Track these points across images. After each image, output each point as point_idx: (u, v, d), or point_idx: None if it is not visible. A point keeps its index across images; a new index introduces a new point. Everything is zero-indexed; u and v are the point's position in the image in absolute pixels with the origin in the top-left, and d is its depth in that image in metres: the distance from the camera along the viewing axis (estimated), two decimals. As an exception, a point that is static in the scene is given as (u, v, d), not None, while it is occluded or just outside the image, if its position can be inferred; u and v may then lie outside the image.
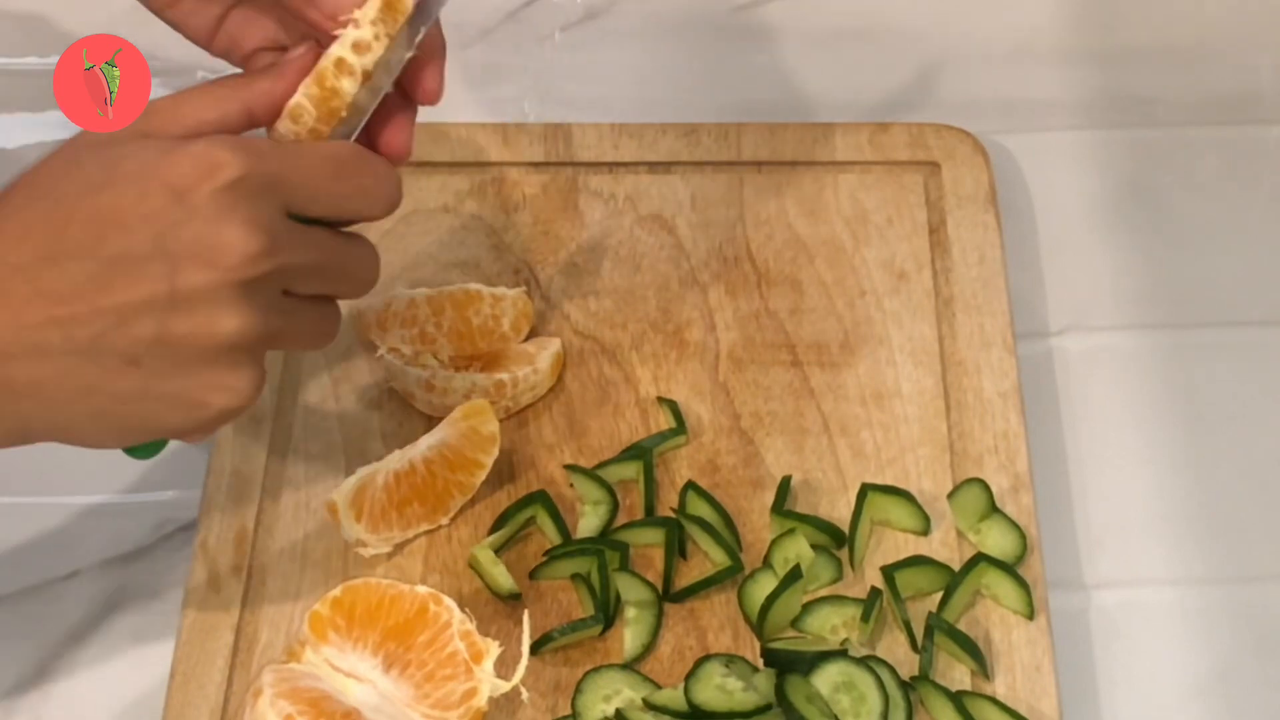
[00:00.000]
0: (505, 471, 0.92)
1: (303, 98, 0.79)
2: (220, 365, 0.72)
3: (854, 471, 0.92)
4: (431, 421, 0.92)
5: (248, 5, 0.82)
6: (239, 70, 0.83)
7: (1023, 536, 0.88)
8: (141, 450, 0.79)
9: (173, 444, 0.93)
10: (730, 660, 0.83)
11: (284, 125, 0.79)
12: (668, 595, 0.88)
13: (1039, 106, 1.11)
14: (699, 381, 0.95)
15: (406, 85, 0.81)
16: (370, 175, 0.77)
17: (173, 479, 0.94)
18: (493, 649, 0.80)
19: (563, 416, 0.94)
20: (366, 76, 0.79)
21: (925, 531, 0.89)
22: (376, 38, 0.79)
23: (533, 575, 0.88)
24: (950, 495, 0.90)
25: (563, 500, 0.90)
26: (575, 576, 0.87)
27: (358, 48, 0.79)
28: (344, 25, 0.79)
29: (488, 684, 0.79)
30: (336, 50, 0.79)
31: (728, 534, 0.88)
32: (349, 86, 0.79)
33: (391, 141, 0.81)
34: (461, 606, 0.81)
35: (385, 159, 0.79)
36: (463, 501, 0.90)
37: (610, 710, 0.83)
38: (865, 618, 0.85)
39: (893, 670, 0.83)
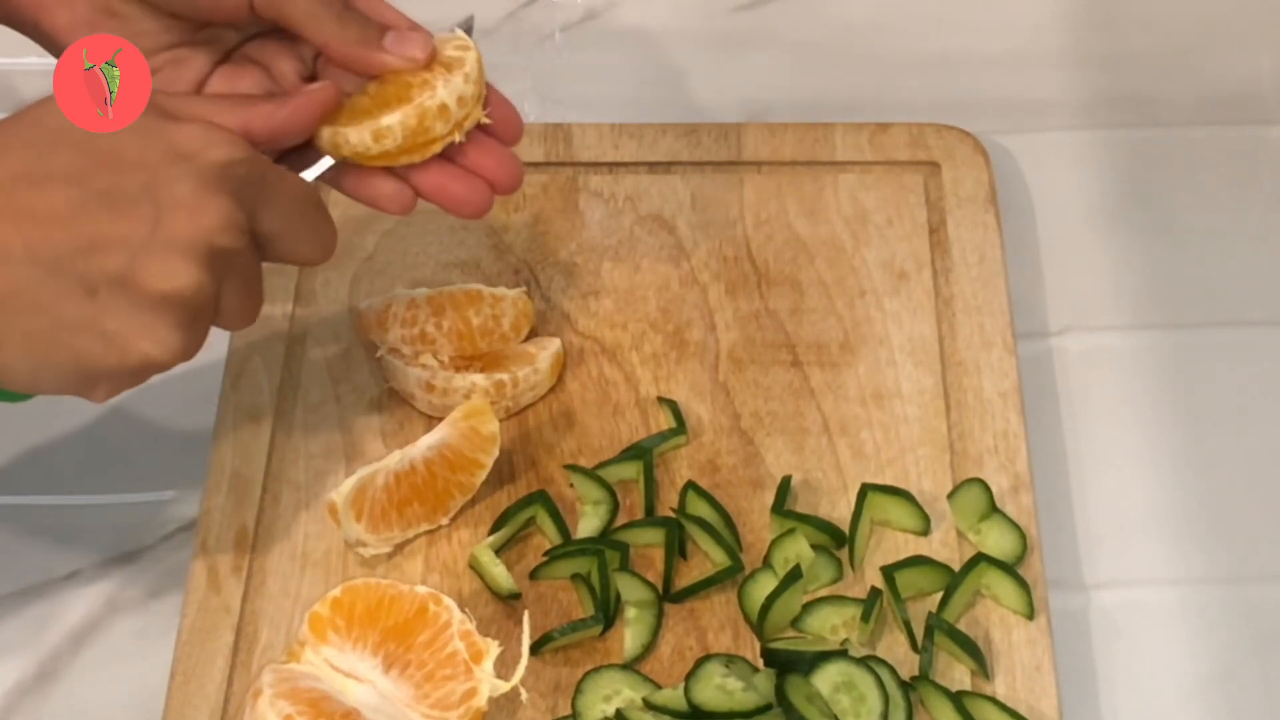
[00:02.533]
0: (505, 471, 0.92)
1: (397, 123, 0.81)
2: (165, 316, 0.73)
3: (854, 471, 0.92)
4: (431, 421, 0.92)
5: (228, 64, 0.84)
6: None
7: (1023, 536, 0.88)
8: (11, 393, 0.78)
9: (172, 443, 0.95)
10: (730, 660, 0.83)
11: (359, 136, 0.81)
12: (668, 595, 0.88)
13: (1039, 106, 1.11)
14: (699, 381, 0.95)
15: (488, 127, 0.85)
16: (325, 223, 0.81)
17: (173, 479, 0.94)
18: (493, 649, 0.80)
19: (563, 416, 0.94)
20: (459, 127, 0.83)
21: (925, 531, 0.89)
22: (475, 96, 0.83)
23: (533, 575, 0.88)
24: (950, 495, 0.90)
25: (563, 500, 0.90)
26: (575, 576, 0.87)
27: (462, 101, 0.82)
28: (422, 66, 0.82)
29: (488, 684, 0.79)
30: (443, 95, 0.81)
31: (728, 534, 0.88)
32: (440, 130, 0.82)
33: (498, 172, 0.85)
34: (461, 606, 0.81)
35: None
36: (463, 501, 0.90)
37: (610, 710, 0.83)
38: (865, 618, 0.85)
39: (893, 670, 0.83)
